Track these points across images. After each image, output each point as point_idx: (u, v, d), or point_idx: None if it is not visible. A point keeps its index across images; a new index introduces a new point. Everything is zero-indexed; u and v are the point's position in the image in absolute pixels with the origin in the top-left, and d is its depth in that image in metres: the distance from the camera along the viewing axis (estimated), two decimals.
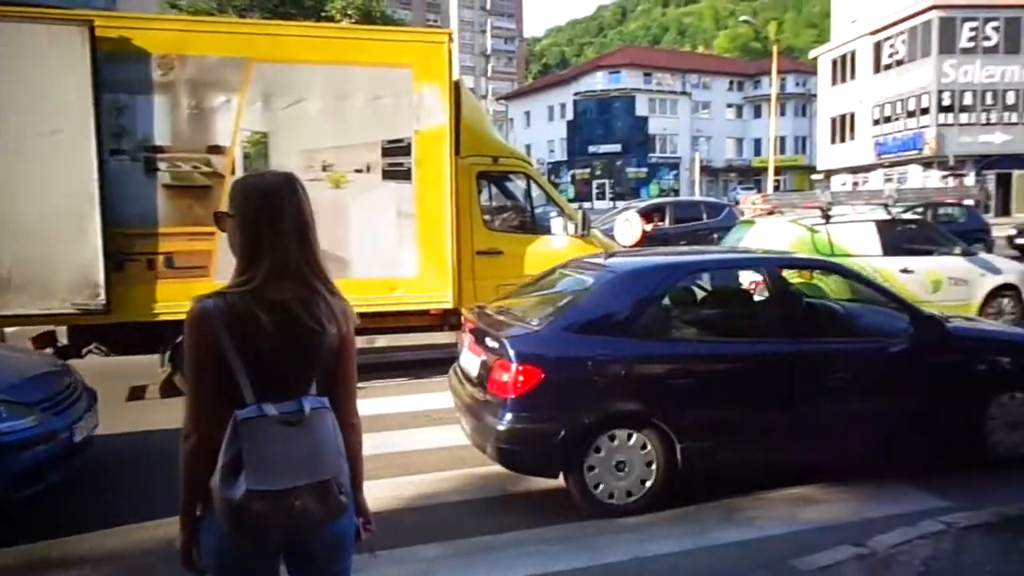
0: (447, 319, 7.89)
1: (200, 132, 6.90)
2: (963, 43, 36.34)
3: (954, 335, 5.19)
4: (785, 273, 5.40)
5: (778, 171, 57.30)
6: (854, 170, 43.69)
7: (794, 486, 4.82)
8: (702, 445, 4.54)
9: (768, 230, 9.46)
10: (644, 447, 4.46)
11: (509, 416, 4.35)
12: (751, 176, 63.88)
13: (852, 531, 4.11)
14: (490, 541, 4.20)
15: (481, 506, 4.70)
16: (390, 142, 7.32)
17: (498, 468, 5.21)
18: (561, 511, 4.54)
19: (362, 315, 6.94)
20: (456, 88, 7.69)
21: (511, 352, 4.37)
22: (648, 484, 4.47)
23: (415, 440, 5.97)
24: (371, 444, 5.59)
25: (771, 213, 10.06)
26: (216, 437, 1.74)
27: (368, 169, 7.32)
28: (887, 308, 5.38)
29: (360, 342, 7.40)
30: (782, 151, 61.96)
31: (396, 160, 7.35)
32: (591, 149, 61.55)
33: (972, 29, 36.27)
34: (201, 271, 6.81)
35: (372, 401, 7.05)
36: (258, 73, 6.97)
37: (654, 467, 4.47)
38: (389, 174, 7.37)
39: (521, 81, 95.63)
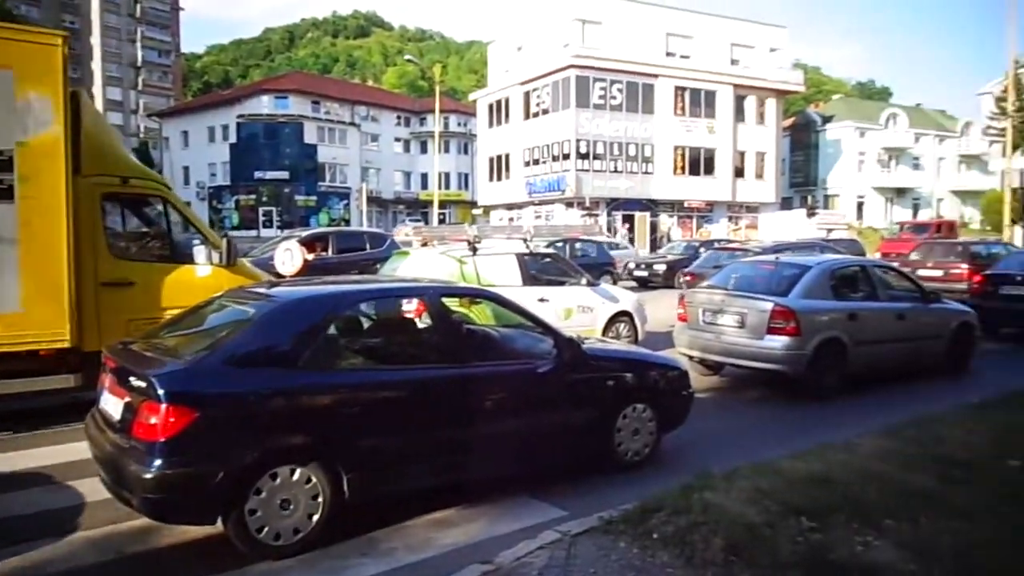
0: (65, 360, 6.86)
1: None
2: (595, 100, 41.72)
3: (589, 355, 5.78)
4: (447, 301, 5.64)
5: (443, 205, 60.41)
6: (510, 206, 47.63)
7: (431, 511, 4.94)
8: (370, 474, 4.56)
9: (421, 261, 9.79)
10: (309, 481, 4.31)
11: (158, 462, 3.94)
12: (419, 208, 66.51)
13: (484, 549, 4.30)
14: None
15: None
16: None
17: (121, 526, 4.65)
18: (190, 564, 4.16)
19: None
20: (75, 98, 6.79)
21: (159, 391, 3.98)
22: (316, 518, 4.33)
23: (21, 504, 5.07)
24: None
25: (424, 245, 10.45)
26: None
27: None
28: (534, 332, 5.84)
29: None
30: (447, 186, 65.45)
31: None
32: (257, 175, 59.16)
33: (602, 88, 41.83)
34: None
35: None
36: None
37: (320, 500, 4.34)
38: None
39: (179, 98, 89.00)
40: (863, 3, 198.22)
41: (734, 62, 46.49)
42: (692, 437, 6.61)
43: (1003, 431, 6.18)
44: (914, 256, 19.03)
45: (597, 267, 19.75)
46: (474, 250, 9.73)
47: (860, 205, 60.27)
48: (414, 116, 70.40)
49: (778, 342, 8.08)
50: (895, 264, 13.62)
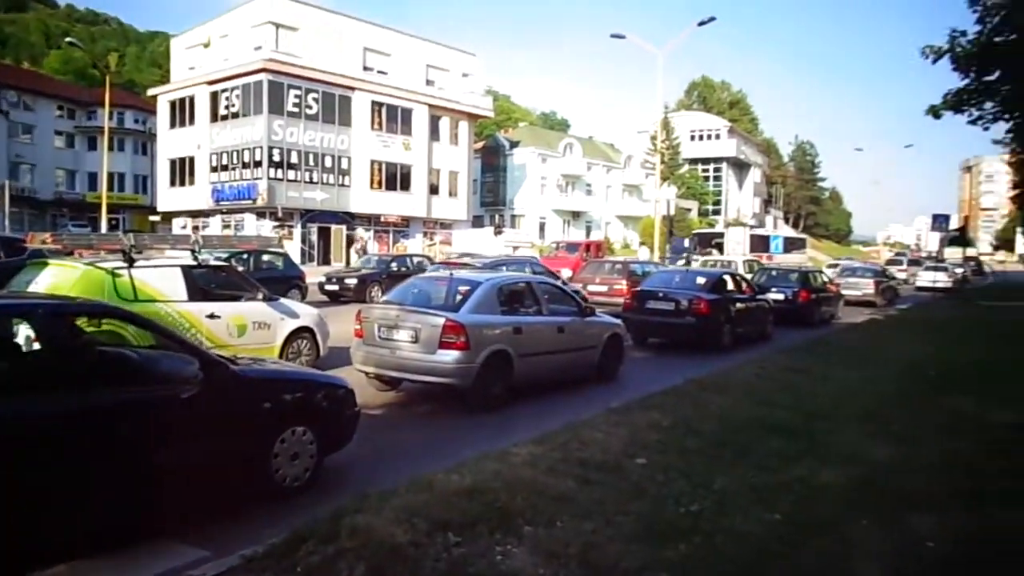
0: None
1: None
2: (290, 107, 40.38)
3: (241, 376, 5.34)
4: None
5: (116, 209, 54.49)
6: (194, 214, 44.22)
7: (45, 567, 4.19)
8: None
9: (63, 273, 8.50)
10: None
11: None
12: (87, 212, 58.96)
13: None
14: None
15: None
16: None
17: None
18: None
19: None
20: None
21: None
22: None
23: None
24: None
25: (69, 254, 9.12)
26: None
27: None
28: (179, 354, 5.25)
29: None
30: (121, 188, 59.04)
31: None
32: None
33: (297, 96, 40.62)
34: None
35: None
36: None
37: None
38: None
39: None
40: (548, 42, 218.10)
41: (429, 83, 48.09)
42: (361, 456, 6.48)
43: (635, 431, 6.91)
44: (584, 273, 21.09)
45: (285, 281, 18.99)
46: (130, 261, 8.71)
47: (543, 225, 65.57)
48: (81, 108, 62.32)
49: (449, 356, 8.27)
50: (557, 280, 14.83)
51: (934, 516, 5.09)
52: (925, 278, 39.67)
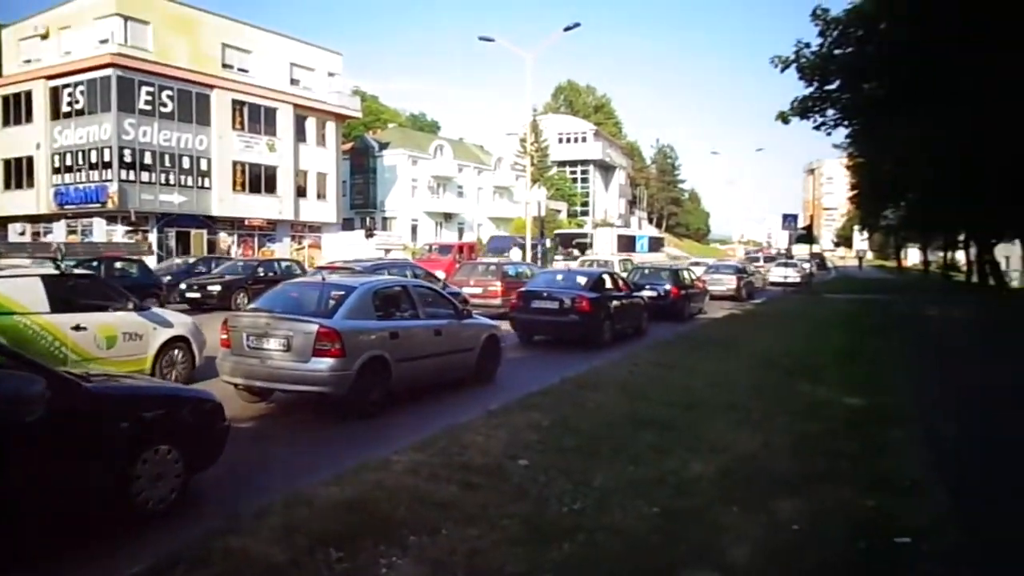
0: None
1: None
2: (142, 105, 37.95)
3: (94, 394, 4.93)
4: None
5: None
6: (34, 219, 40.85)
7: None
8: None
9: None
10: None
11: None
12: None
13: None
14: None
15: None
16: None
17: None
18: None
19: None
20: None
21: None
22: None
23: None
24: None
25: None
26: None
27: None
28: (21, 372, 4.76)
29: None
30: None
31: None
32: None
33: (149, 93, 38.25)
34: None
35: None
36: None
37: None
38: None
39: None
40: (416, 43, 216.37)
41: (294, 82, 46.71)
42: (232, 473, 6.16)
43: (515, 433, 6.94)
44: (459, 276, 21.11)
45: (142, 289, 17.82)
46: None
47: (415, 227, 65.08)
48: None
49: (323, 364, 8.01)
50: (438, 284, 14.82)
51: (795, 499, 5.41)
52: (777, 274, 42.37)
